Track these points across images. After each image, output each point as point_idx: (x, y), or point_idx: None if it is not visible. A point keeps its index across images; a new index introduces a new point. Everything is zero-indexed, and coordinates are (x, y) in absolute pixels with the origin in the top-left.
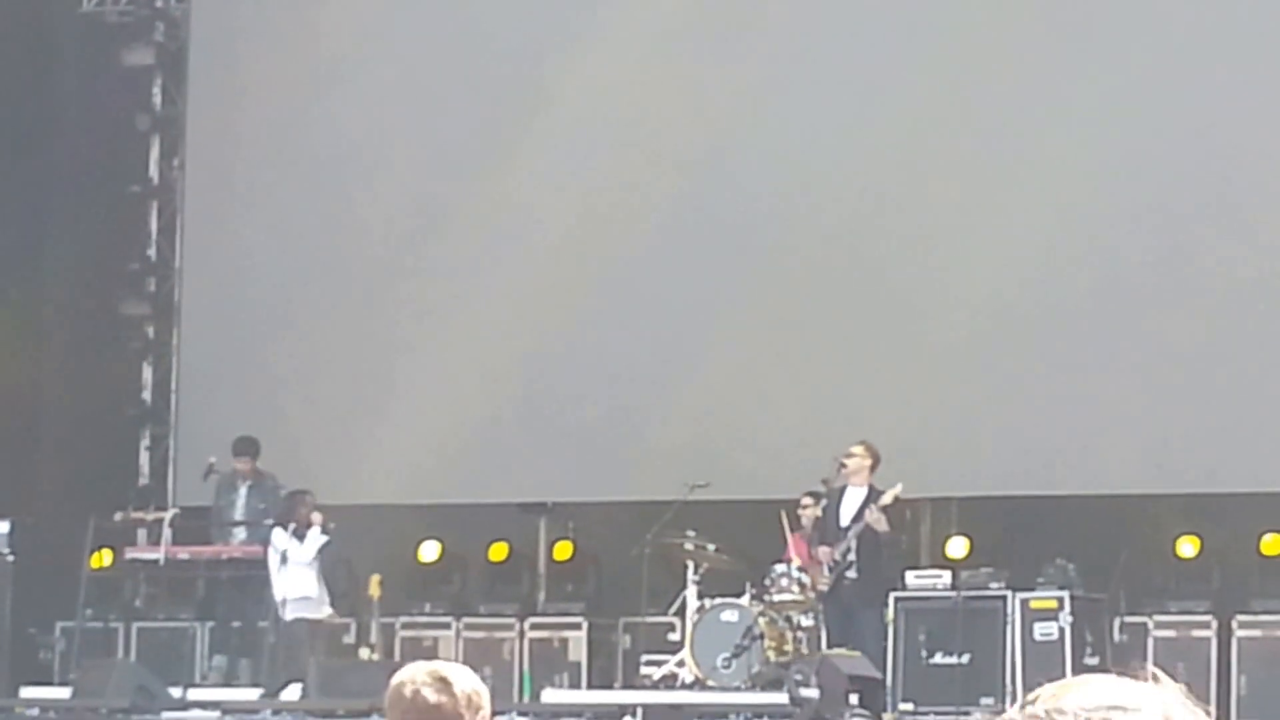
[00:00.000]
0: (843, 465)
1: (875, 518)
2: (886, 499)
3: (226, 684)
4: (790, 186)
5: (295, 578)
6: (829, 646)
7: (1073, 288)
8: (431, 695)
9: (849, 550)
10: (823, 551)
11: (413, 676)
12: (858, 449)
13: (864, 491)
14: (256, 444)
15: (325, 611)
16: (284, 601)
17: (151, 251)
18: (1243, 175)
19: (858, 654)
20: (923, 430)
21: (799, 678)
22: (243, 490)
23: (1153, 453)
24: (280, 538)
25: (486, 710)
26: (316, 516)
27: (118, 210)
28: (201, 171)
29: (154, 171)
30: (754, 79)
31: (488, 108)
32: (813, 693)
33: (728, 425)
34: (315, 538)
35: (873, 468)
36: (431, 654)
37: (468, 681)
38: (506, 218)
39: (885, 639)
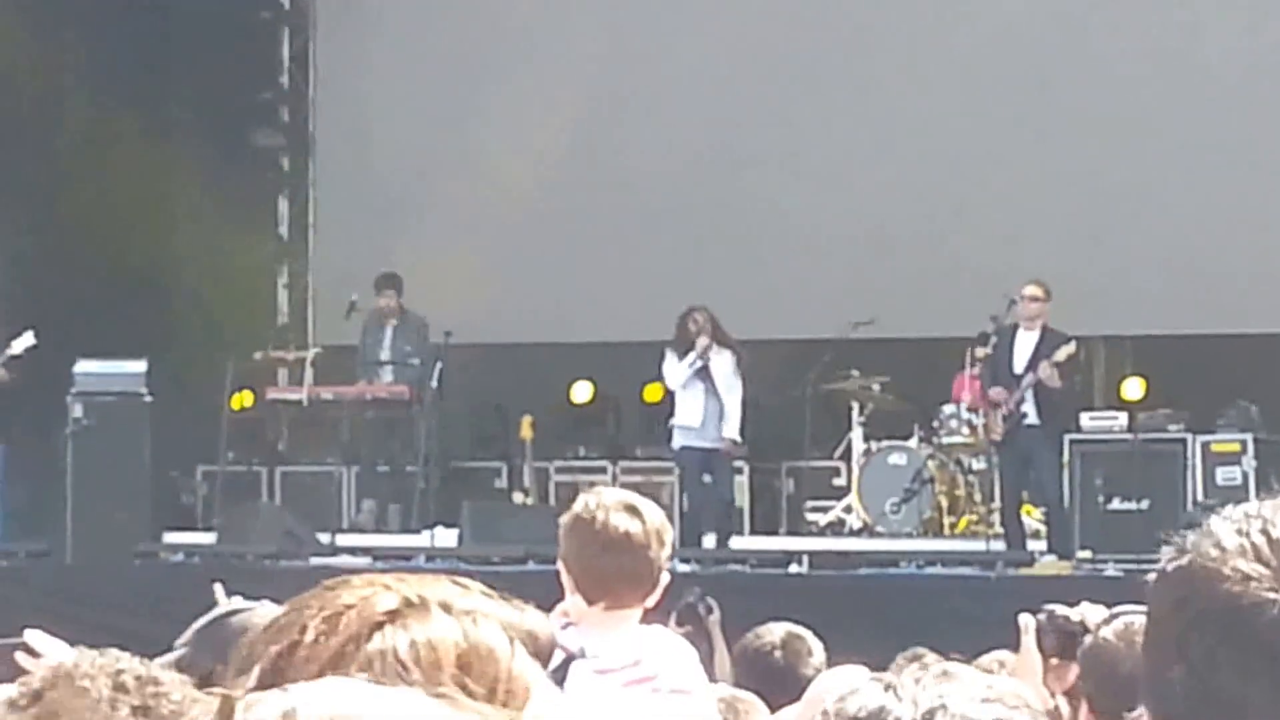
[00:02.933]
0: (1014, 302)
1: (1048, 374)
2: (1060, 356)
3: (376, 529)
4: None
5: (678, 403)
6: (1004, 493)
7: (1244, 114)
8: (622, 523)
9: (1023, 400)
10: (997, 392)
11: (600, 502)
12: (1038, 291)
13: (1037, 335)
14: (399, 279)
15: (717, 437)
16: (672, 429)
17: (284, 79)
18: None
19: None
20: (1095, 265)
21: None
22: (389, 330)
23: None
24: (668, 362)
25: (669, 547)
26: (702, 340)
27: (247, 36)
28: None
29: None
30: None
31: None
32: None
33: (891, 258)
34: (691, 358)
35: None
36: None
37: (656, 514)
38: (663, 45)
39: (1063, 482)
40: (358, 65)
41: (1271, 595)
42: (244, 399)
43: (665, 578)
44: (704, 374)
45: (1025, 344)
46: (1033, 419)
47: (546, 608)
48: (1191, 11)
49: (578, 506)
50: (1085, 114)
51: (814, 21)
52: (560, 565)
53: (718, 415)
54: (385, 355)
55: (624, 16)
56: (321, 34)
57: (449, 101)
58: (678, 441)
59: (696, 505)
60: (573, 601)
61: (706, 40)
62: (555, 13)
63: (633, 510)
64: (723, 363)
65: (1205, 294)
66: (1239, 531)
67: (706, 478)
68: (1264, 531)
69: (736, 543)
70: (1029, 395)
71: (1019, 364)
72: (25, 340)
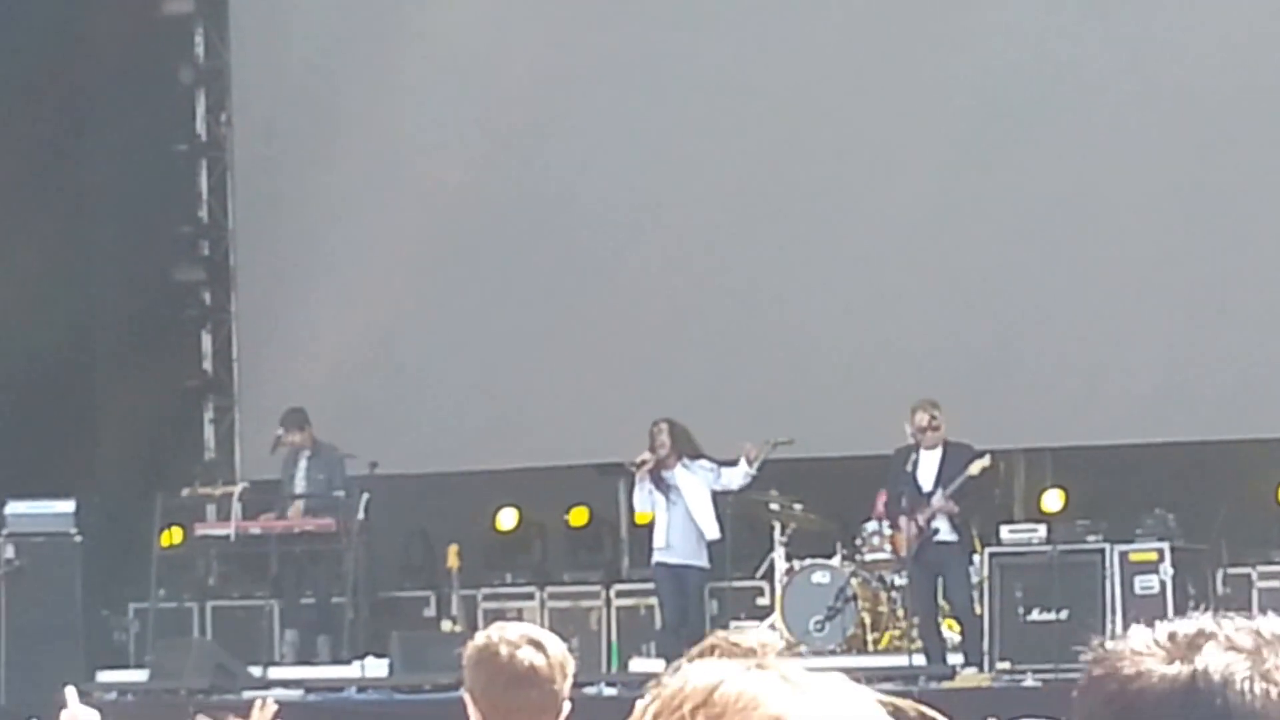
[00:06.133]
0: (922, 428)
1: (947, 506)
2: (974, 470)
3: (303, 661)
4: (870, 132)
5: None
6: (919, 608)
7: (1166, 226)
8: (528, 657)
9: (934, 517)
10: (906, 522)
11: (504, 637)
12: (924, 418)
13: (940, 452)
14: (303, 413)
15: (687, 554)
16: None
17: (203, 213)
18: None
19: None
20: (1014, 379)
21: None
22: (302, 463)
23: (1252, 395)
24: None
25: (570, 677)
26: (644, 456)
27: (165, 170)
28: (250, 125)
29: (200, 128)
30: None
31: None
32: None
33: (810, 378)
34: (639, 479)
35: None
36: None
37: (559, 646)
38: (575, 168)
39: (974, 595)
40: (276, 196)
41: (1156, 668)
42: (173, 535)
43: (567, 707)
44: (666, 490)
45: (929, 462)
46: (945, 535)
47: None
48: (1090, 122)
49: (481, 640)
50: (998, 229)
51: (733, 150)
52: (466, 696)
53: (684, 532)
54: (300, 488)
55: (543, 167)
56: (239, 163)
57: (369, 230)
58: (654, 559)
59: (670, 624)
60: None
61: (622, 170)
62: (479, 139)
63: (537, 645)
64: (691, 475)
65: (1122, 404)
66: (1152, 629)
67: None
68: (1169, 628)
69: (663, 665)
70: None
71: (925, 482)
72: None
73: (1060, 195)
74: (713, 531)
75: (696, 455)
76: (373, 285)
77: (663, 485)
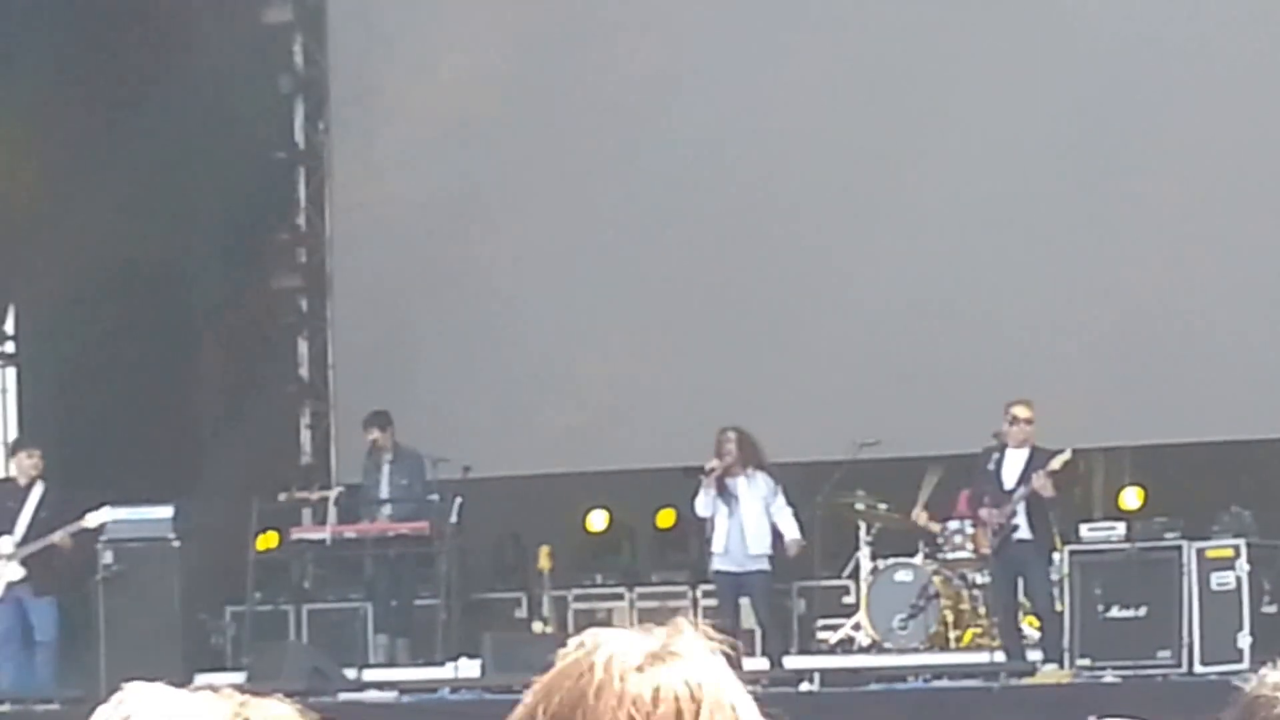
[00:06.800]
0: (1013, 423)
1: (1042, 484)
2: (1055, 464)
3: (390, 663)
4: (951, 136)
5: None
6: (999, 605)
7: (1243, 225)
8: None
9: (1014, 514)
10: (987, 514)
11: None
12: (1029, 412)
13: (1026, 452)
14: (385, 415)
15: (746, 560)
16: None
17: (301, 220)
18: None
19: None
20: (1093, 378)
21: None
22: (385, 467)
23: None
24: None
25: None
26: (711, 463)
27: (264, 178)
28: (348, 134)
29: (299, 136)
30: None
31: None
32: None
33: (894, 379)
34: (705, 483)
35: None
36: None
37: None
38: (660, 179)
39: (1055, 593)
40: (374, 202)
41: None
42: (269, 540)
43: None
44: (727, 498)
45: (1015, 461)
46: (1024, 533)
47: None
48: (1187, 116)
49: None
50: (1082, 231)
51: (817, 146)
52: None
53: (742, 540)
54: (384, 493)
55: (622, 170)
56: (337, 171)
57: (464, 238)
58: (713, 565)
59: (728, 629)
60: None
61: (708, 171)
62: (577, 150)
63: None
64: (751, 486)
65: (1200, 402)
66: None
67: (742, 600)
68: None
69: (750, 663)
70: (1020, 510)
71: (1009, 480)
72: (101, 515)
73: (1138, 196)
74: (760, 545)
75: (761, 467)
76: (467, 293)
77: (725, 493)
